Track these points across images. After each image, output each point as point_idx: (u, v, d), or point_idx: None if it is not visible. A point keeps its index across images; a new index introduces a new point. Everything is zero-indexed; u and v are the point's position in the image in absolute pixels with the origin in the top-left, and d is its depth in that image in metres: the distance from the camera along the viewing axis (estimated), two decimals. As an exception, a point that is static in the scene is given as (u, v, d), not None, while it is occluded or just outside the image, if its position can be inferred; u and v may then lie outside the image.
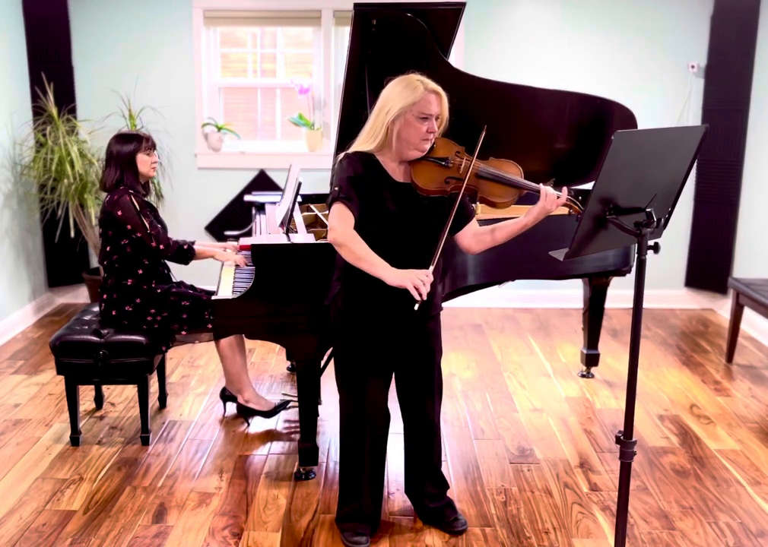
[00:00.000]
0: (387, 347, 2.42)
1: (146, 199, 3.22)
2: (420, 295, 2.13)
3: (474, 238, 2.46)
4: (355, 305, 2.34)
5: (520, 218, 2.34)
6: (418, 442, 2.56)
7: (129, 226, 3.06)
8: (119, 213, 3.05)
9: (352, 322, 2.38)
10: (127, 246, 3.12)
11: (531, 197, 2.39)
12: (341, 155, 2.34)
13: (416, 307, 2.15)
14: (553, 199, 2.28)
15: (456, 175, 2.32)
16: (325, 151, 5.09)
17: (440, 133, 2.33)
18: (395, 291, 2.22)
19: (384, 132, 2.27)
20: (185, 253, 3.18)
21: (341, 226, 2.24)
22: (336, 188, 2.27)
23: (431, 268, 2.20)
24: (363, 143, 2.32)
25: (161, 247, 3.11)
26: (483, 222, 3.11)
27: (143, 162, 3.16)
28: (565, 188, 2.31)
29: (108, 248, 3.15)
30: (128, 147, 3.12)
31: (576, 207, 2.35)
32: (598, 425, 3.42)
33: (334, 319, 2.43)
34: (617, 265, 3.66)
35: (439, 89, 2.28)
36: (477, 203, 3.54)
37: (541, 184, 2.33)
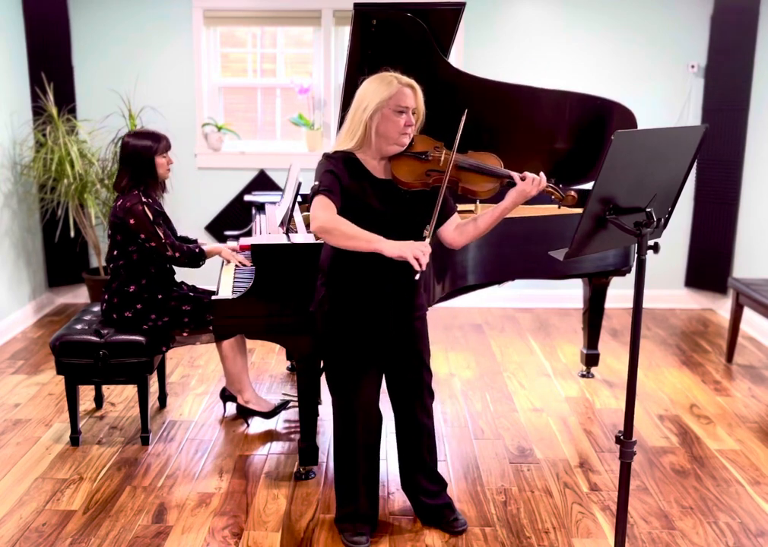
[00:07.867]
0: (375, 348, 2.42)
1: (159, 201, 3.20)
2: (420, 265, 2.12)
3: (456, 230, 2.43)
4: (342, 308, 2.32)
5: (500, 203, 2.32)
6: (408, 440, 2.56)
7: (143, 235, 3.04)
8: (132, 221, 3.02)
9: (339, 325, 2.37)
10: (134, 253, 3.10)
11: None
12: (322, 155, 2.35)
13: (417, 276, 2.15)
14: (530, 181, 2.26)
15: (437, 168, 2.31)
16: (325, 151, 5.09)
17: (418, 128, 2.33)
18: (381, 291, 2.21)
19: (362, 130, 2.27)
20: (198, 256, 3.15)
21: (324, 214, 2.19)
22: (317, 183, 2.26)
23: (427, 241, 2.17)
24: (343, 142, 2.33)
25: (176, 254, 3.09)
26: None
27: (161, 165, 3.13)
28: (542, 173, 2.30)
29: (115, 252, 3.13)
30: (146, 151, 3.06)
31: (558, 194, 2.33)
32: (598, 425, 3.42)
33: (321, 323, 2.42)
34: (617, 265, 3.66)
35: (413, 82, 2.28)
36: (478, 202, 3.56)
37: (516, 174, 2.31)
